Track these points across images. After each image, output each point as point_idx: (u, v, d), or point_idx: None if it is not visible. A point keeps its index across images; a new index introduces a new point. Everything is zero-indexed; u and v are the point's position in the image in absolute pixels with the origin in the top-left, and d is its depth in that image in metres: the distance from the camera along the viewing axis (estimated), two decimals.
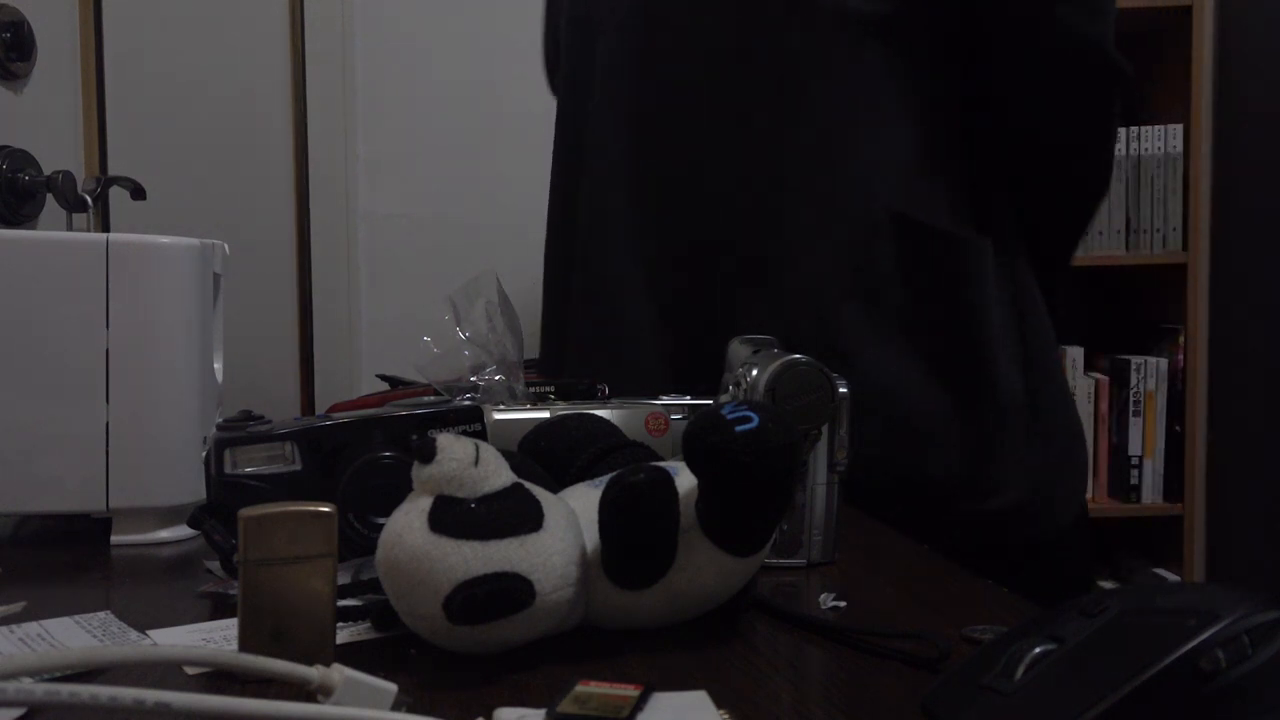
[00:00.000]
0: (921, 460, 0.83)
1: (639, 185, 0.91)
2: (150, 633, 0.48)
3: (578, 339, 0.96)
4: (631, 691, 0.38)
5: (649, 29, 0.90)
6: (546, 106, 1.60)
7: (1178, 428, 1.99)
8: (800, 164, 0.84)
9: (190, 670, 0.42)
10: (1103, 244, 2.00)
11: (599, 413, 0.63)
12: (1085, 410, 2.00)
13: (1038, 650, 0.35)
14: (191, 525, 0.55)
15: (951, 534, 0.82)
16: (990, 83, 0.88)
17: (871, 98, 0.85)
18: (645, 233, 0.90)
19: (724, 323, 0.82)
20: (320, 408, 1.84)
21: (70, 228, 1.53)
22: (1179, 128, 2.00)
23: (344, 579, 0.48)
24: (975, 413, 0.84)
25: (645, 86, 0.91)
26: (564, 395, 0.87)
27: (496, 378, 0.78)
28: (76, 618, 0.49)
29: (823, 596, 0.53)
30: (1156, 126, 1.99)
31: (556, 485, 0.50)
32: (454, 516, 0.42)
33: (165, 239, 0.67)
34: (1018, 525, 0.86)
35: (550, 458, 0.56)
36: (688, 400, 0.67)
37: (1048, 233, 0.95)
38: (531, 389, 0.82)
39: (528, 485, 0.45)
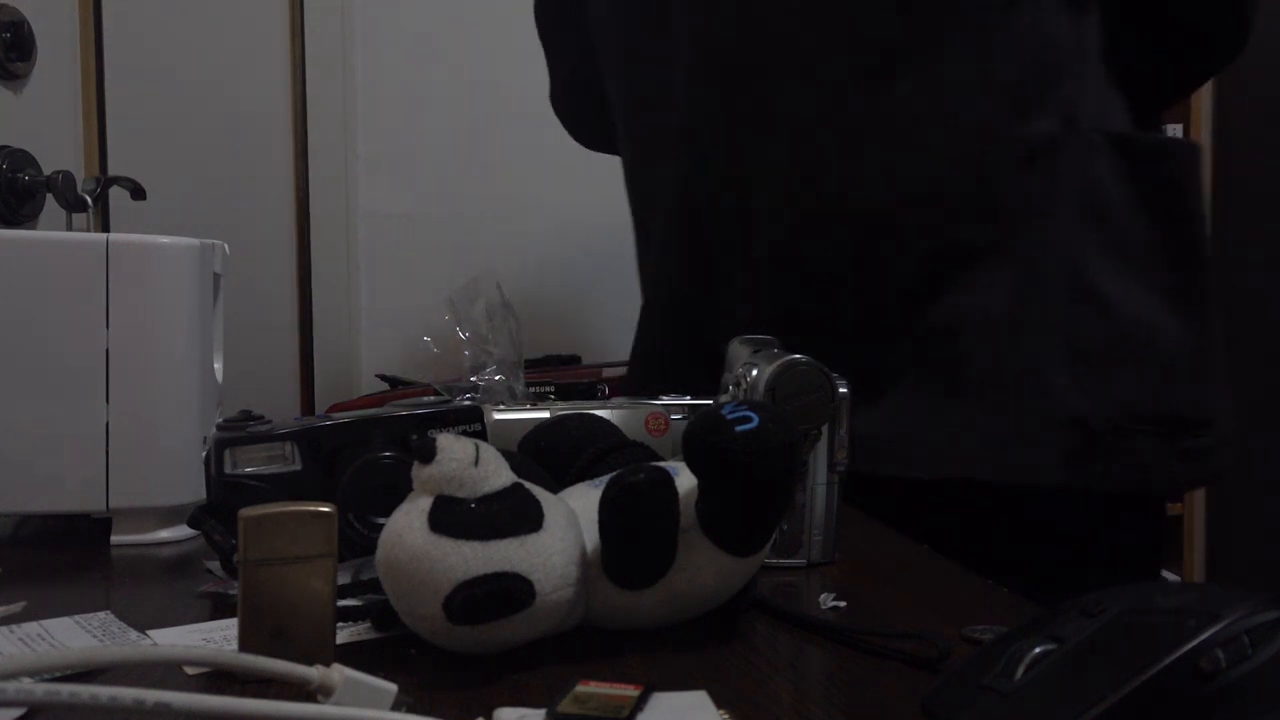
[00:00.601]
0: (1174, 398, 0.80)
1: (800, 178, 0.83)
2: (150, 633, 0.48)
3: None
4: (631, 691, 0.38)
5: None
6: (546, 106, 1.59)
7: None
8: (999, 114, 0.79)
9: (190, 670, 0.42)
10: None
11: (599, 413, 0.63)
12: None
13: (1038, 650, 0.35)
14: (191, 525, 0.55)
15: (1170, 472, 0.81)
16: None
17: (1054, 19, 0.80)
18: (811, 232, 0.83)
19: (949, 303, 0.79)
20: (320, 408, 1.84)
21: (70, 228, 1.53)
22: (1179, 128, 2.00)
23: (344, 579, 0.48)
24: (1204, 340, 0.82)
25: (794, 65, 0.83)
26: (564, 395, 0.87)
27: (496, 378, 0.78)
28: (76, 618, 0.49)
29: (823, 596, 0.53)
30: None
31: (556, 485, 0.50)
32: (454, 516, 0.42)
33: (165, 239, 0.67)
34: (1213, 461, 0.84)
35: (550, 458, 0.56)
36: (688, 400, 0.67)
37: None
38: (531, 389, 0.82)
39: (528, 485, 0.45)
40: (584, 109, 1.15)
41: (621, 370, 1.53)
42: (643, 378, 0.99)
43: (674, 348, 0.95)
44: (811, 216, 0.83)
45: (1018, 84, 0.79)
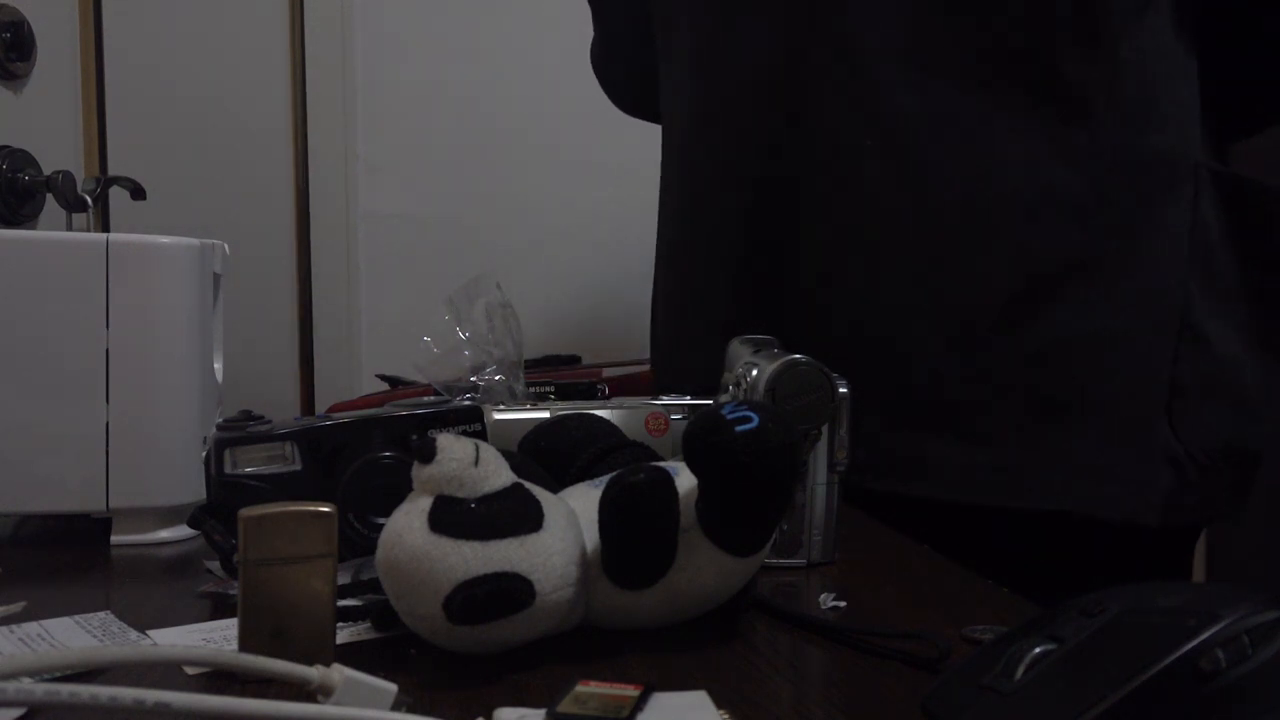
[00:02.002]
0: (1251, 435, 0.79)
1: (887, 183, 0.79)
2: (150, 633, 0.48)
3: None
4: (631, 691, 0.38)
5: None
6: (545, 106, 1.59)
7: None
8: (1112, 129, 0.76)
9: (190, 670, 0.42)
10: None
11: (599, 413, 0.63)
12: None
13: (1038, 650, 0.35)
14: (191, 525, 0.55)
15: (1233, 506, 0.81)
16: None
17: (1168, 41, 0.77)
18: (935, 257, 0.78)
19: (1045, 323, 0.76)
20: (320, 408, 1.84)
21: (70, 228, 1.53)
22: None
23: (344, 579, 0.48)
24: (1277, 379, 0.81)
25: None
26: (564, 395, 0.87)
27: (496, 378, 0.78)
28: (76, 618, 0.49)
29: (823, 596, 0.53)
30: None
31: (556, 485, 0.50)
32: (454, 516, 0.42)
33: (165, 239, 0.67)
34: (1252, 491, 0.83)
35: (550, 458, 0.56)
36: (688, 400, 0.67)
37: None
38: (531, 389, 0.82)
39: (528, 485, 0.45)
40: (632, 70, 1.11)
41: (622, 370, 1.53)
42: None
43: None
44: (909, 219, 0.78)
45: (1134, 100, 0.76)
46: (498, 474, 0.44)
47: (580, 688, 0.38)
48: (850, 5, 0.79)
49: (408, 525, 0.42)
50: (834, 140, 0.80)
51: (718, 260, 0.89)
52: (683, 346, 0.95)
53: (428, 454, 0.43)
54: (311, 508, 0.41)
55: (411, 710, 0.37)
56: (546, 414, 0.64)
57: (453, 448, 0.43)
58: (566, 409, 0.65)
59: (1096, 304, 0.76)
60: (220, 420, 0.60)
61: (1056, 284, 0.76)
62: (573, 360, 1.74)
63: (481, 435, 0.58)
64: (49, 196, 1.52)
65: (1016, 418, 0.76)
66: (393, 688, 0.37)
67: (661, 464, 0.47)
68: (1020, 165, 0.76)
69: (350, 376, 1.88)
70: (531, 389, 0.82)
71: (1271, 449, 0.84)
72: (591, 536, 0.45)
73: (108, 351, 0.65)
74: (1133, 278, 0.76)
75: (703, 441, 0.44)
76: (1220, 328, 0.77)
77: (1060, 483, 0.75)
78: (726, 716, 0.37)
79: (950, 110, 0.77)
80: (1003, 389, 0.77)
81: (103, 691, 0.30)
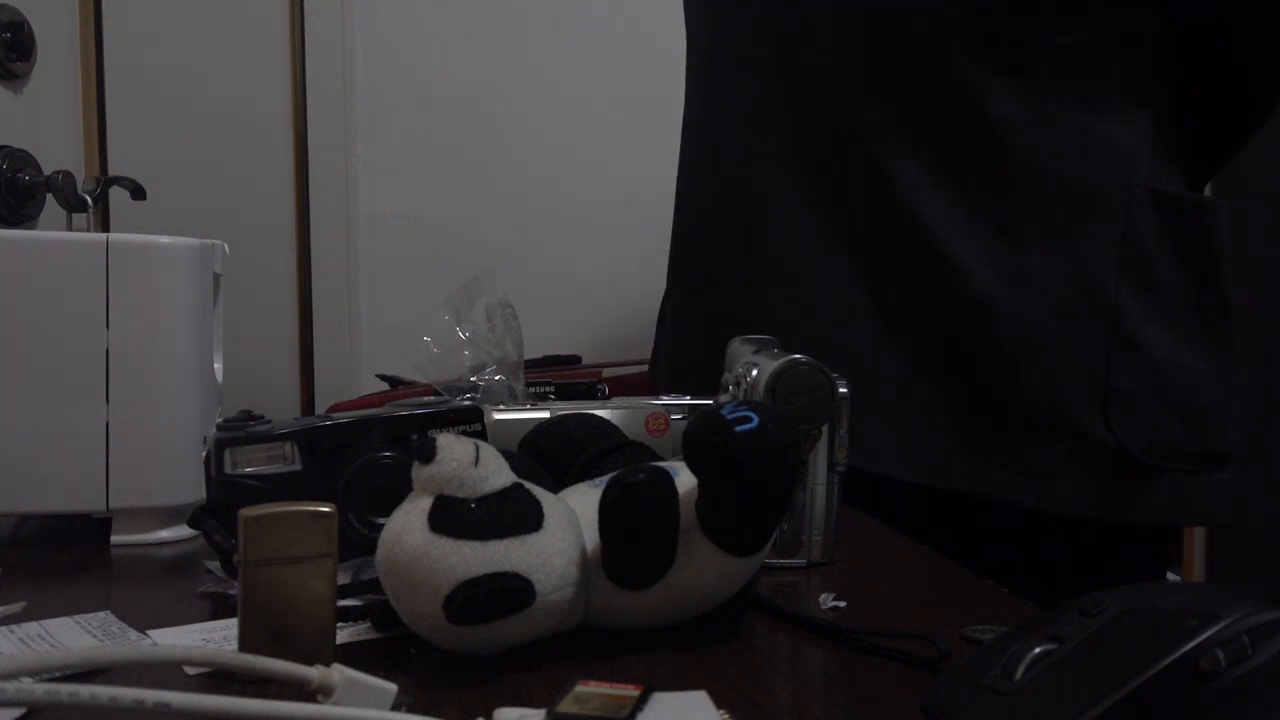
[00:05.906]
0: (1204, 436, 0.81)
1: (834, 191, 0.83)
2: (150, 633, 0.48)
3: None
4: (631, 691, 0.38)
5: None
6: (545, 106, 1.59)
7: None
8: (1055, 153, 0.78)
9: (190, 670, 0.42)
10: None
11: (599, 413, 0.63)
12: None
13: (1038, 650, 0.35)
14: (191, 525, 0.55)
15: (1203, 506, 0.82)
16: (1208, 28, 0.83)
17: (1112, 74, 0.79)
18: (852, 244, 0.82)
19: (971, 335, 0.78)
20: (320, 408, 1.84)
21: (70, 228, 1.53)
22: None
23: (344, 579, 0.48)
24: (1229, 381, 0.83)
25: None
26: (564, 395, 0.87)
27: (496, 378, 0.78)
28: (76, 618, 0.49)
29: (823, 596, 0.53)
30: None
31: (556, 485, 0.50)
32: (454, 516, 0.42)
33: (165, 239, 0.67)
34: (1230, 493, 0.85)
35: (550, 458, 0.56)
36: (688, 400, 0.67)
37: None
38: (531, 389, 0.82)
39: (528, 485, 0.45)
40: None
41: (621, 370, 1.53)
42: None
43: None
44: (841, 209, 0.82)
45: (1062, 135, 0.78)
46: (498, 474, 0.44)
47: (580, 688, 0.38)
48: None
49: (408, 525, 0.42)
50: None
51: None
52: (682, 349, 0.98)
53: (428, 454, 0.43)
54: (311, 508, 0.41)
55: (411, 710, 0.37)
56: (546, 414, 0.64)
57: (453, 448, 0.43)
58: (566, 409, 0.65)
59: (1019, 305, 0.78)
60: (220, 420, 0.59)
61: (986, 289, 0.78)
62: (573, 360, 1.74)
63: (481, 435, 0.58)
64: (49, 196, 1.52)
65: (936, 401, 0.79)
66: (393, 688, 0.37)
67: (661, 464, 0.47)
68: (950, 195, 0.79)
69: (350, 376, 1.88)
70: (531, 389, 0.82)
71: (1269, 449, 0.84)
72: (591, 536, 0.45)
73: (108, 351, 0.65)
74: (1058, 282, 0.78)
75: (703, 441, 0.44)
76: (1159, 335, 0.79)
77: (983, 471, 0.77)
78: (726, 716, 0.38)
79: (892, 100, 0.80)
80: (926, 371, 0.79)
81: (103, 691, 0.30)
